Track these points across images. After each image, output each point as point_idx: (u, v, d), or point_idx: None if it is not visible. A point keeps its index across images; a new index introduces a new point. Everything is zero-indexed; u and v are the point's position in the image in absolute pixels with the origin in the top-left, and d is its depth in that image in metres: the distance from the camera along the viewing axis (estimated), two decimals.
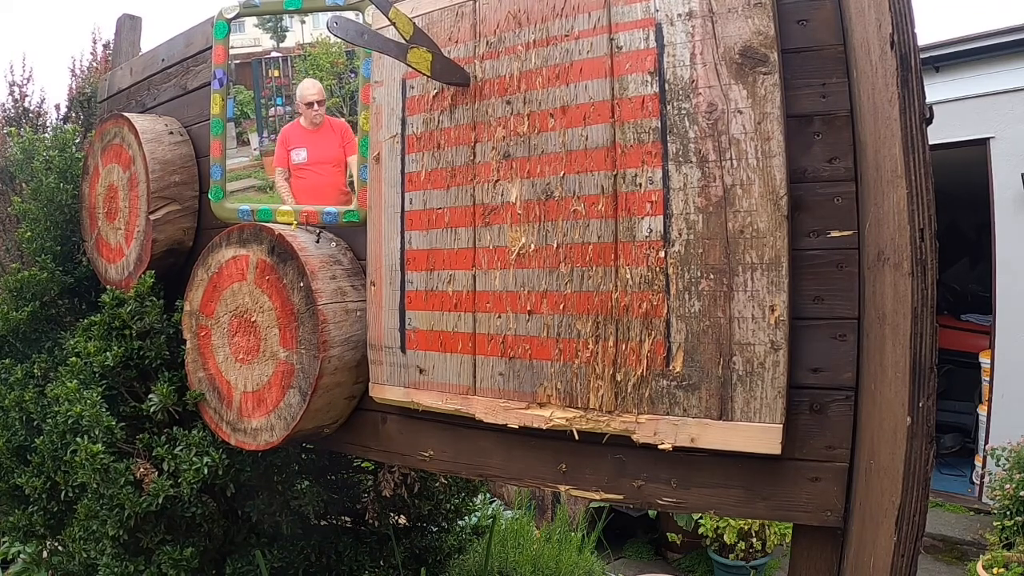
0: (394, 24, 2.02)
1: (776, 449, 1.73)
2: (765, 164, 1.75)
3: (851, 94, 1.76)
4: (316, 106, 2.72)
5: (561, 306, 1.95)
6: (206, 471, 2.64)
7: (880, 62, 1.65)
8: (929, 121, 1.62)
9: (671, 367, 1.83)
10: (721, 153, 1.79)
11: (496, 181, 2.05)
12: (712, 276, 1.79)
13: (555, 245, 1.96)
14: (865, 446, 1.65)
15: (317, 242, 2.40)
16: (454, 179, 2.12)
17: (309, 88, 2.89)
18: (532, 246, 1.99)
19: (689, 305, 1.81)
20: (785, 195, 1.74)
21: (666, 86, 1.85)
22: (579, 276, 1.93)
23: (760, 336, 1.75)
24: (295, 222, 2.52)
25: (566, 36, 1.97)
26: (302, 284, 2.34)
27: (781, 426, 1.73)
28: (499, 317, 2.04)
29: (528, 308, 2.00)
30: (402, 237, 2.21)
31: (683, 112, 1.83)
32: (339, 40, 2.31)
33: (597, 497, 2.06)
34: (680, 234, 1.82)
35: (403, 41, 2.05)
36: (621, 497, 2.01)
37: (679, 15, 1.85)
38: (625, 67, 1.89)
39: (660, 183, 1.84)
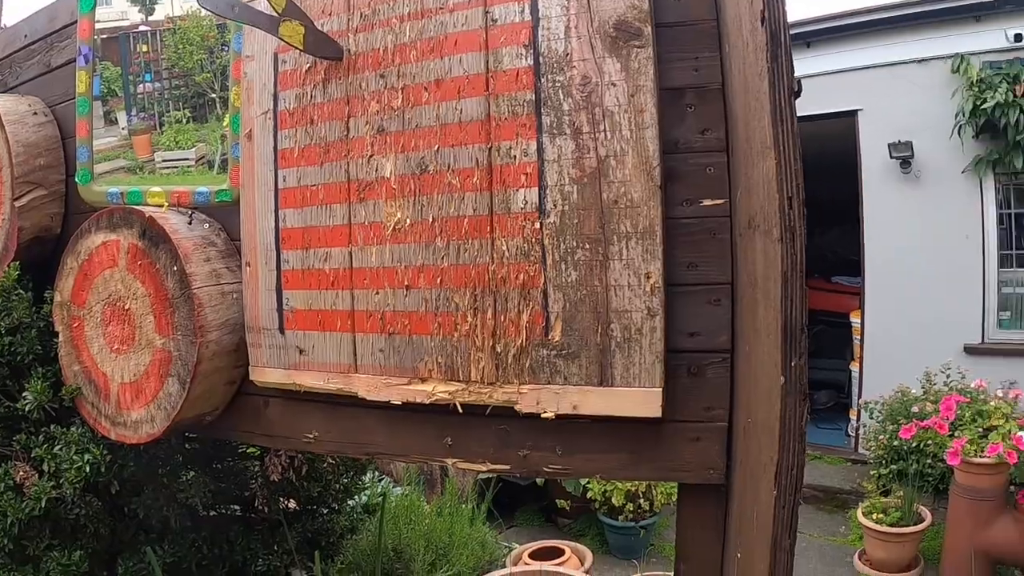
0: None
1: (657, 412, 1.58)
2: (638, 136, 1.60)
3: (723, 68, 1.63)
4: None
5: (438, 280, 1.74)
6: (88, 469, 2.26)
7: (751, 37, 1.51)
8: (797, 94, 1.50)
9: (550, 336, 1.65)
10: (595, 125, 1.62)
11: (370, 156, 1.81)
12: (588, 246, 1.62)
13: (431, 219, 1.74)
14: (742, 405, 1.52)
15: (189, 224, 2.08)
16: (328, 155, 1.86)
17: None
18: (408, 221, 1.76)
19: (566, 275, 1.64)
20: (658, 166, 1.59)
21: (540, 59, 1.66)
22: (455, 249, 1.72)
23: (637, 303, 1.59)
24: (166, 203, 2.19)
25: (441, 8, 1.75)
26: (176, 268, 2.02)
27: (661, 390, 1.58)
28: (377, 293, 1.80)
29: (405, 283, 1.77)
30: (276, 216, 1.93)
31: (557, 85, 1.65)
32: (209, 13, 2.01)
33: (484, 468, 1.86)
34: (555, 205, 1.64)
35: (275, 14, 1.78)
36: (508, 467, 1.82)
37: None
38: (500, 40, 1.69)
39: (535, 155, 1.65)
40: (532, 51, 1.66)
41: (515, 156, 1.67)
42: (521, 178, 1.66)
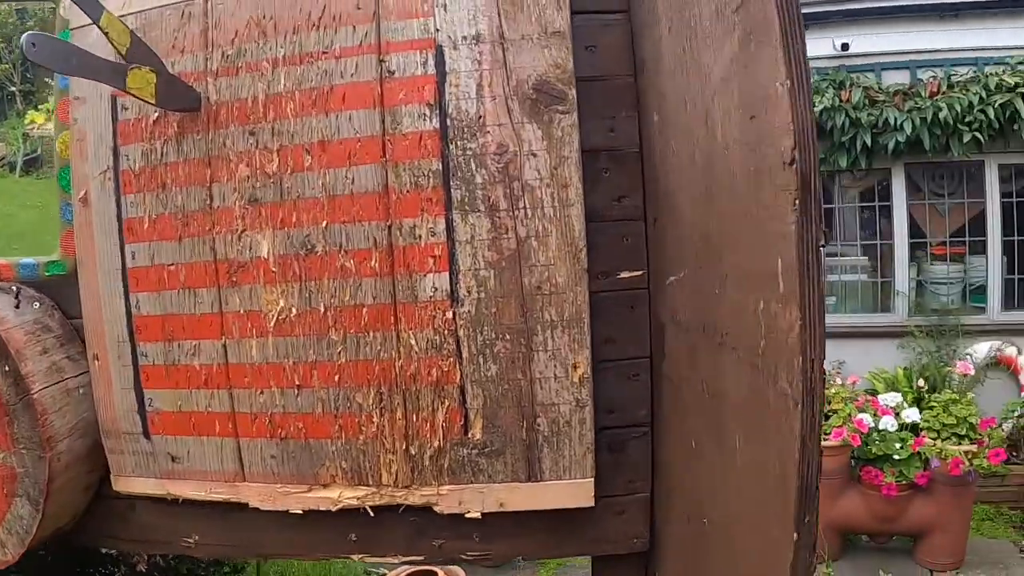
0: (106, 34, 1.34)
1: (590, 502, 1.44)
2: (563, 213, 1.38)
3: (641, 127, 1.44)
4: None
5: (336, 378, 1.46)
6: None
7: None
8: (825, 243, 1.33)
9: (470, 435, 1.43)
10: (513, 201, 1.39)
11: (241, 231, 1.47)
12: (509, 337, 1.40)
13: (322, 308, 1.45)
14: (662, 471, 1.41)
15: (17, 306, 1.64)
16: (187, 228, 1.50)
17: None
18: (294, 310, 1.46)
19: (485, 369, 1.41)
20: (584, 247, 1.39)
21: (448, 121, 1.39)
22: (354, 343, 1.44)
23: (564, 395, 1.41)
24: None
25: (325, 53, 1.43)
26: (7, 367, 1.59)
27: (592, 479, 1.43)
28: (262, 393, 1.49)
29: (296, 382, 1.47)
30: (127, 300, 1.55)
31: (469, 153, 1.39)
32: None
33: (395, 561, 1.64)
34: (470, 292, 1.40)
35: (120, 59, 1.38)
36: (421, 558, 1.61)
37: (464, 38, 1.39)
38: (398, 96, 1.41)
39: (443, 235, 1.40)
40: (438, 112, 1.39)
41: (420, 236, 1.40)
42: (428, 261, 1.40)
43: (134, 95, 1.36)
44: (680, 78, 1.30)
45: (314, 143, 1.43)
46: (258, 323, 1.47)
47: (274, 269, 1.45)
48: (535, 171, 1.38)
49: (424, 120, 1.39)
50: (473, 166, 1.38)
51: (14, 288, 1.65)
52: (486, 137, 1.38)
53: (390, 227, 1.41)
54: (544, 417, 1.42)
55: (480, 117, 1.38)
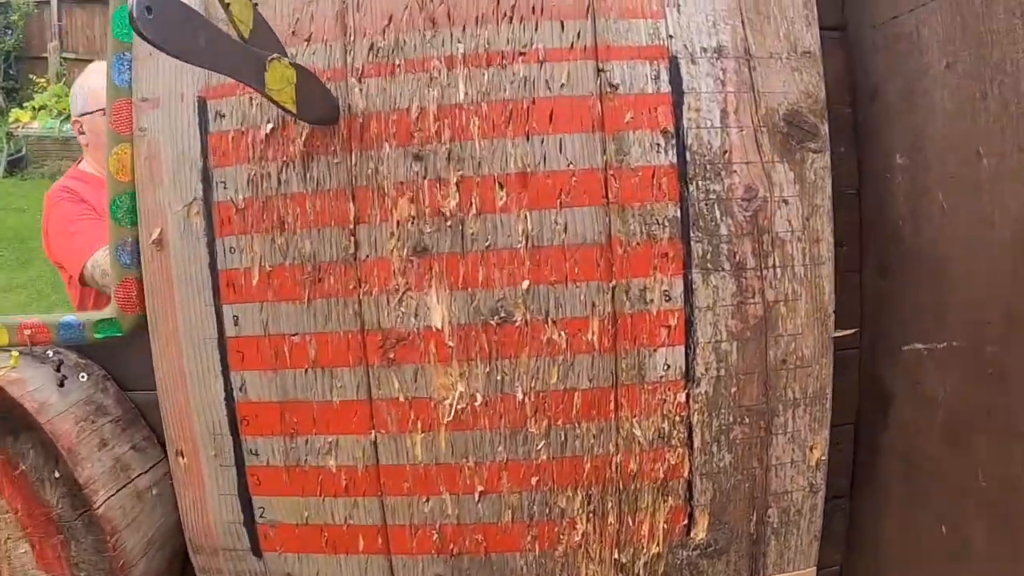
0: (226, 6, 0.58)
1: None
2: (814, 273, 0.81)
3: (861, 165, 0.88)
4: None
5: (533, 480, 0.81)
6: None
7: None
8: None
9: (693, 535, 0.84)
10: (762, 258, 0.79)
11: (403, 292, 0.77)
12: (748, 420, 0.82)
13: (519, 395, 0.78)
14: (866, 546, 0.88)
15: (61, 384, 0.83)
16: (320, 286, 0.78)
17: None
18: (478, 397, 0.78)
19: (718, 459, 0.82)
20: (832, 312, 0.82)
21: (688, 155, 0.77)
22: (560, 437, 0.80)
23: (799, 481, 0.86)
24: (15, 353, 0.87)
25: (523, 55, 0.75)
26: (57, 473, 0.79)
27: (814, 569, 0.88)
28: (427, 501, 0.81)
29: (478, 486, 0.81)
30: (227, 380, 0.81)
31: (712, 197, 0.77)
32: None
33: None
34: (707, 370, 0.80)
35: (243, 40, 0.62)
36: None
37: (704, 50, 0.77)
38: (624, 119, 0.76)
39: (681, 299, 0.78)
40: (675, 142, 0.76)
41: (652, 300, 0.77)
42: (661, 333, 0.78)
43: (273, 100, 0.63)
44: (966, 123, 0.73)
45: (511, 175, 0.75)
46: (426, 414, 0.78)
47: (450, 343, 0.77)
48: (786, 222, 0.79)
49: (658, 152, 0.75)
50: (717, 213, 0.77)
51: (53, 357, 0.83)
52: (732, 178, 0.77)
53: (614, 289, 0.76)
54: (775, 507, 0.85)
55: (725, 152, 0.77)
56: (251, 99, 0.79)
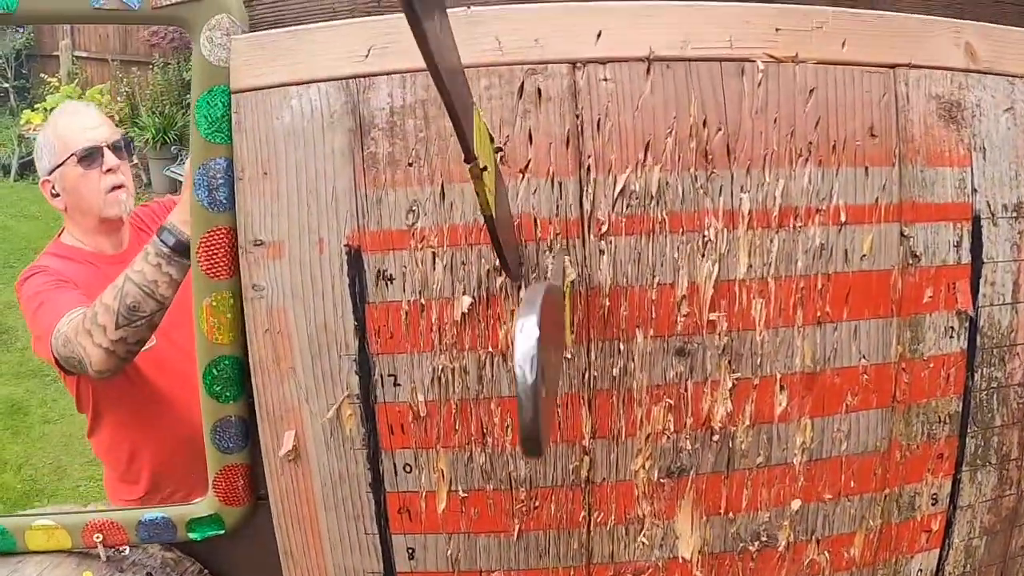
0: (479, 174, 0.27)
1: None
2: None
3: None
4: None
5: None
6: None
7: None
8: None
9: None
10: (1022, 447, 0.59)
11: (647, 519, 0.50)
12: None
13: None
14: None
15: None
16: (535, 514, 0.50)
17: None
18: None
19: None
20: None
21: (978, 339, 0.54)
22: None
23: None
24: (87, 573, 0.50)
25: (819, 212, 0.47)
26: None
27: None
28: None
29: None
30: None
31: (993, 386, 0.56)
32: None
33: None
34: (955, 568, 0.60)
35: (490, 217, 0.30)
36: None
37: (1004, 207, 0.53)
38: (923, 298, 0.51)
39: (946, 501, 0.57)
40: (967, 324, 0.52)
41: (918, 507, 0.56)
42: (921, 538, 0.57)
43: (478, 193, 0.33)
44: None
45: (795, 375, 0.49)
46: None
47: (698, 575, 0.50)
48: None
49: (951, 338, 0.53)
50: (995, 403, 0.56)
51: (136, 561, 0.49)
52: (1014, 362, 0.56)
53: (885, 499, 0.53)
54: None
55: (1012, 332, 0.56)
56: (434, 255, 0.47)
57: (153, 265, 0.63)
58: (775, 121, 0.48)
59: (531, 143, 0.46)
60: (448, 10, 0.45)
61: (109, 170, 0.82)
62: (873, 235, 0.51)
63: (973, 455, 0.58)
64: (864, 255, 0.50)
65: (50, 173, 0.85)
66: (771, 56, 0.48)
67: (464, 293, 0.47)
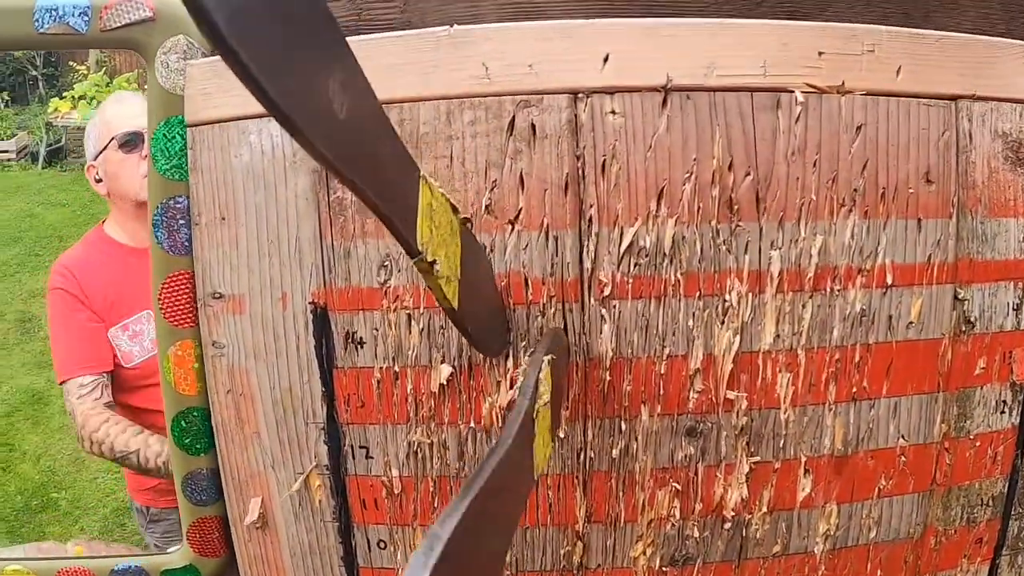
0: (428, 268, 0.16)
1: None
2: None
3: None
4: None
5: None
6: None
7: None
8: None
9: None
10: None
11: None
12: None
13: None
14: None
15: None
16: None
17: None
18: None
19: None
20: None
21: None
22: None
23: None
24: None
25: (862, 272, 0.34)
26: None
27: None
28: None
29: None
30: None
31: None
32: None
33: None
34: None
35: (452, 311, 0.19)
36: None
37: None
38: (975, 369, 0.38)
39: None
40: (1021, 397, 0.38)
41: None
42: None
43: (432, 288, 0.19)
44: None
45: (823, 458, 0.35)
46: None
47: None
48: None
49: (1001, 413, 0.39)
50: None
51: None
52: None
53: None
54: None
55: None
56: (410, 318, 0.35)
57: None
58: (815, 164, 0.35)
59: (522, 189, 0.34)
60: (428, 29, 0.33)
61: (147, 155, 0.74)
62: (923, 299, 0.37)
63: (1015, 538, 0.45)
64: (911, 322, 0.37)
65: (95, 158, 0.77)
66: (812, 86, 0.35)
67: (443, 361, 0.35)
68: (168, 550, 0.46)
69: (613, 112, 0.33)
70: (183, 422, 0.42)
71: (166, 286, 0.39)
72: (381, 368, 0.35)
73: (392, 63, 0.33)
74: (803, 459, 0.37)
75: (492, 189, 0.33)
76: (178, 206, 0.38)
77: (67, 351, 0.72)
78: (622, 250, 0.34)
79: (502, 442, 0.21)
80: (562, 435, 0.35)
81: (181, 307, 0.40)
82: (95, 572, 0.45)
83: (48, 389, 1.60)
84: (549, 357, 0.25)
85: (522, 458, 0.24)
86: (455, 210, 0.24)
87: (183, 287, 0.39)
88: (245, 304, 0.36)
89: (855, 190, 0.36)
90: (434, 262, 0.20)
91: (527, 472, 0.24)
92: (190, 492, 0.43)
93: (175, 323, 0.40)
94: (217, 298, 0.36)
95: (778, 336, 0.36)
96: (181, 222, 0.38)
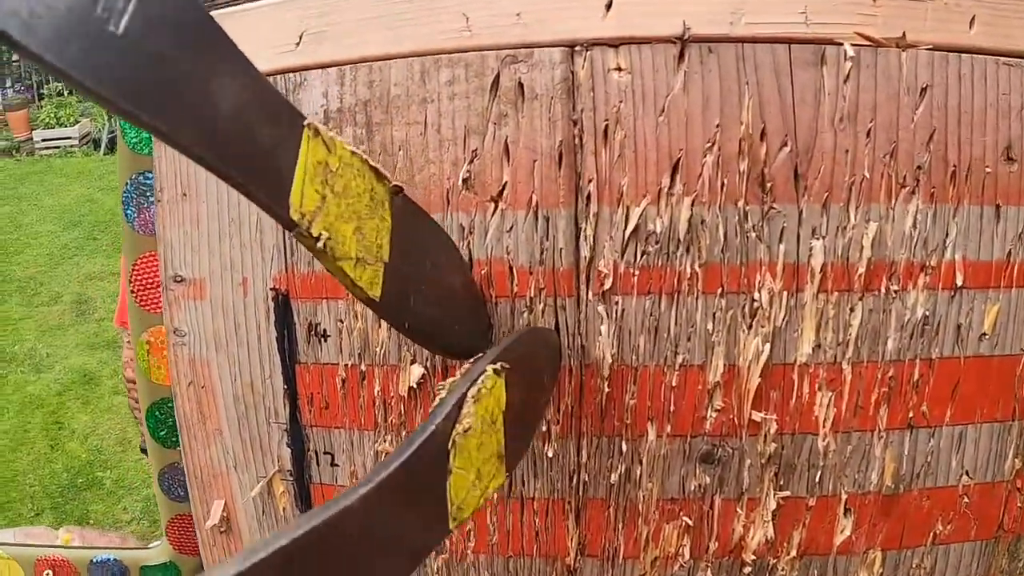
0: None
1: None
2: None
3: None
4: None
5: None
6: None
7: None
8: None
9: None
10: None
11: None
12: None
13: None
14: None
15: None
16: None
17: None
18: None
19: None
20: None
21: None
22: None
23: None
24: None
25: (925, 269, 0.22)
26: None
27: None
28: None
29: None
30: None
31: None
32: None
33: None
34: None
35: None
36: None
37: None
38: None
39: None
40: None
41: None
42: None
43: (332, 272, 0.10)
44: None
45: (868, 495, 0.23)
46: None
47: None
48: None
49: None
50: None
51: None
52: None
53: None
54: None
55: None
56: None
57: None
58: (868, 134, 0.24)
59: (508, 160, 0.24)
60: None
61: None
62: (1000, 305, 0.25)
63: None
64: (984, 334, 0.25)
65: None
66: (866, 36, 0.24)
67: (414, 361, 0.26)
68: (148, 546, 0.38)
69: (618, 68, 0.23)
70: (158, 412, 0.33)
71: (137, 268, 0.31)
72: (346, 366, 0.26)
73: (360, 17, 0.23)
74: (843, 496, 0.25)
75: (472, 160, 0.24)
76: (148, 182, 0.30)
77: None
78: (627, 235, 0.24)
79: (367, 480, 0.10)
80: (551, 453, 0.25)
81: (152, 291, 0.31)
82: (74, 562, 0.37)
83: (100, 370, 1.46)
84: (497, 367, 0.15)
85: (409, 506, 0.13)
86: (380, 176, 0.15)
87: (155, 269, 0.31)
88: (206, 288, 0.27)
89: (918, 167, 0.24)
90: (318, 237, 0.11)
91: (425, 520, 0.14)
92: (167, 486, 0.35)
93: (147, 307, 0.31)
94: (179, 282, 0.28)
95: (818, 346, 0.24)
96: (151, 199, 0.30)
